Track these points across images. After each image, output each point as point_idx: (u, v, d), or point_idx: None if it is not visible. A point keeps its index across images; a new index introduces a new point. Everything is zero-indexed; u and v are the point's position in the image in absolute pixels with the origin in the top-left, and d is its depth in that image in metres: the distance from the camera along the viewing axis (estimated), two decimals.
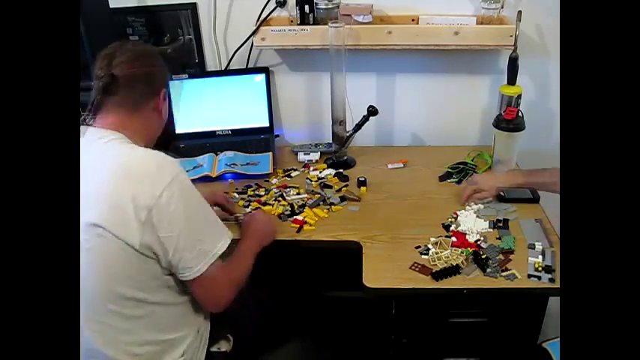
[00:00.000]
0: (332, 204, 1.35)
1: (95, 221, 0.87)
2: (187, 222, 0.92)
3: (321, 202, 1.36)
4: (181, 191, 0.91)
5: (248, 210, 1.34)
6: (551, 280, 1.05)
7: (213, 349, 1.12)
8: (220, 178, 1.50)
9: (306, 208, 1.33)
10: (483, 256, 1.13)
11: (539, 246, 1.15)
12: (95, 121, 0.99)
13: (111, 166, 0.92)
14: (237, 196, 1.41)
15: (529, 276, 1.07)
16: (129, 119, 1.00)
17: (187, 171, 1.28)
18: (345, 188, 1.43)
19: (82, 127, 0.98)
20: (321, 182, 1.47)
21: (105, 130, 0.97)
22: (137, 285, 0.92)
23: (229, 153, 1.57)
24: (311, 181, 1.46)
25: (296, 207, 1.34)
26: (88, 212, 0.87)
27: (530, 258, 1.12)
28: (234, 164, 1.52)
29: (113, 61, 0.98)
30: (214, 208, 1.23)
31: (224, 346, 1.14)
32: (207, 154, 1.57)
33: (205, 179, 1.47)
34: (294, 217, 1.30)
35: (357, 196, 1.39)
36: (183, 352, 1.01)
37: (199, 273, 0.94)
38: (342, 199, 1.38)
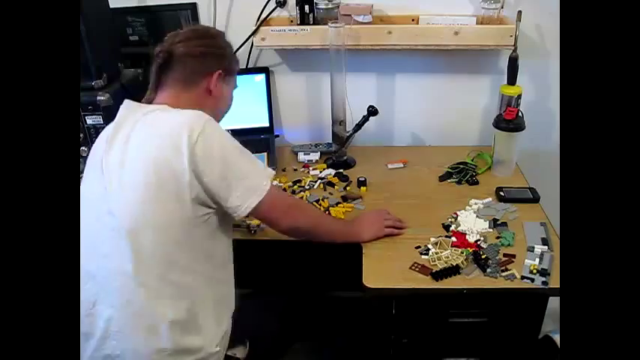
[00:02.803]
0: (338, 203, 1.36)
1: (147, 186, 0.92)
2: (227, 163, 0.96)
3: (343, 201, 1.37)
4: (216, 135, 0.97)
5: None
6: (544, 284, 1.05)
7: (229, 353, 1.11)
8: None
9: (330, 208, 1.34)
10: (483, 256, 1.13)
11: (538, 249, 1.15)
12: (156, 97, 1.05)
13: (149, 132, 0.97)
14: None
15: (522, 277, 1.07)
16: (179, 96, 1.04)
17: None
18: (347, 188, 1.44)
19: (132, 105, 1.03)
20: (325, 182, 1.47)
21: (153, 105, 1.03)
22: (189, 249, 0.95)
23: None
24: (314, 182, 1.47)
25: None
26: (139, 177, 0.92)
27: (527, 260, 1.12)
28: None
29: (174, 37, 1.05)
30: None
31: (240, 353, 1.13)
32: None
33: None
34: None
35: (358, 194, 1.39)
36: (219, 341, 1.02)
37: (250, 209, 0.98)
38: (344, 198, 1.38)
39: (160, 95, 1.06)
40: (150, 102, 1.05)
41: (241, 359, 1.12)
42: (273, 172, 1.05)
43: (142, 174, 0.93)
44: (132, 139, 0.96)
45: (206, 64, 1.06)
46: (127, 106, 1.04)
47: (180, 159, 0.92)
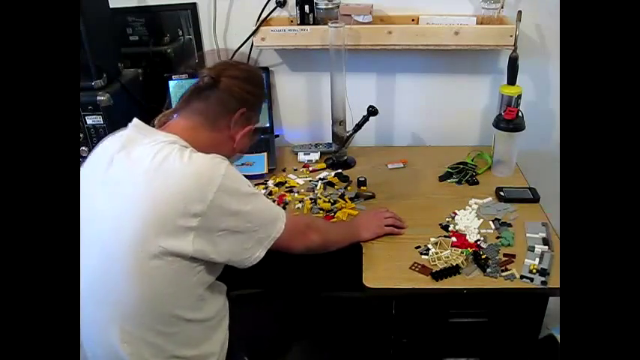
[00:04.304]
0: (335, 203, 1.36)
1: (142, 239, 0.85)
2: (240, 217, 0.91)
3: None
4: (231, 189, 0.89)
5: None
6: (544, 283, 1.05)
7: None
8: None
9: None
10: (483, 256, 1.13)
11: (538, 249, 1.15)
12: (175, 116, 0.98)
13: (154, 175, 0.87)
14: None
15: (522, 277, 1.07)
16: (198, 131, 0.97)
17: None
18: (350, 187, 1.44)
19: (142, 128, 0.95)
20: (325, 182, 1.47)
21: (166, 135, 0.93)
22: (178, 302, 0.91)
23: None
24: (315, 182, 1.47)
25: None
26: (133, 227, 0.85)
27: (526, 260, 1.12)
28: None
29: (227, 69, 0.98)
30: None
31: None
32: None
33: None
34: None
35: (373, 193, 1.40)
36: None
37: (259, 259, 0.96)
38: (357, 196, 1.39)
39: (177, 119, 0.98)
40: (163, 122, 0.98)
41: None
42: (284, 212, 1.01)
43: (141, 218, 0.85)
44: (129, 184, 0.88)
45: (243, 116, 1.00)
46: (136, 125, 0.96)
47: (188, 219, 0.85)
